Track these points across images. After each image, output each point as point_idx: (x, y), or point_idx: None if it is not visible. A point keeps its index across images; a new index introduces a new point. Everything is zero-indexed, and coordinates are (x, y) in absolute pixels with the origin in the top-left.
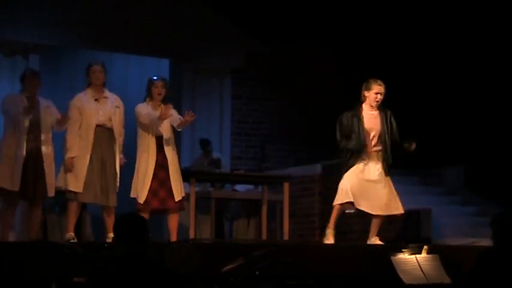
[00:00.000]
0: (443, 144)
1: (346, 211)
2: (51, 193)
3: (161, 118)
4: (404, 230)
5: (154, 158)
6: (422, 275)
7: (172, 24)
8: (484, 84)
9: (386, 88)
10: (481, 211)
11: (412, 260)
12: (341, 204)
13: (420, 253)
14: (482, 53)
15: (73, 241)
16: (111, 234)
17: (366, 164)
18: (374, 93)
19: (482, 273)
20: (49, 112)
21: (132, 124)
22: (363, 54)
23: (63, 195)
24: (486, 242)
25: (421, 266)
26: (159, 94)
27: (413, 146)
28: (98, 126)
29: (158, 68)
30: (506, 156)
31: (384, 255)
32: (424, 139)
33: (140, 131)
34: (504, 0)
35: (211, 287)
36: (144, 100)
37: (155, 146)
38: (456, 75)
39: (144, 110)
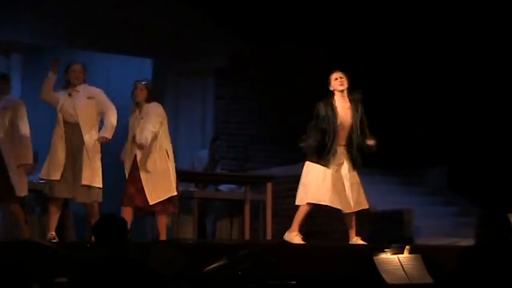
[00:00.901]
0: (426, 144)
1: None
2: (20, 193)
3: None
4: (386, 230)
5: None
6: (404, 275)
7: (155, 24)
8: (467, 86)
9: (376, 89)
10: (463, 212)
11: (394, 260)
12: (309, 203)
13: (402, 253)
14: (465, 55)
15: (54, 241)
16: None
17: (333, 158)
18: (334, 79)
19: (464, 272)
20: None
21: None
22: (348, 56)
23: (43, 195)
24: (468, 242)
25: (404, 266)
26: (137, 96)
27: (373, 143)
28: (70, 121)
29: (141, 68)
30: (489, 157)
31: (367, 255)
32: (406, 140)
33: None
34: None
35: (194, 287)
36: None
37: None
38: (439, 77)
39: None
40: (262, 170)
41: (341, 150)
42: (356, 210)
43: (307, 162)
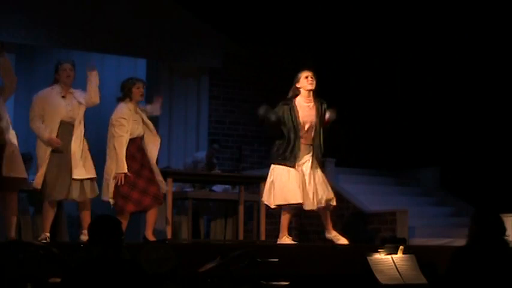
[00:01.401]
0: (419, 145)
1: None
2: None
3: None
4: (380, 230)
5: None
6: (398, 275)
7: (149, 24)
8: (460, 87)
9: (368, 91)
10: (456, 212)
11: (388, 260)
12: (285, 205)
13: (396, 253)
14: (456, 56)
15: (45, 241)
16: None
17: (297, 158)
18: (304, 77)
19: (457, 272)
20: None
21: (106, 125)
22: (338, 59)
23: (37, 195)
24: (461, 242)
25: (397, 266)
26: (142, 95)
27: (332, 115)
28: (62, 122)
29: (135, 68)
30: (482, 158)
31: (360, 255)
32: (400, 140)
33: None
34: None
35: (188, 287)
36: (123, 99)
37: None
38: (432, 78)
39: (126, 125)
40: (255, 170)
41: (304, 149)
42: (323, 206)
43: (272, 165)
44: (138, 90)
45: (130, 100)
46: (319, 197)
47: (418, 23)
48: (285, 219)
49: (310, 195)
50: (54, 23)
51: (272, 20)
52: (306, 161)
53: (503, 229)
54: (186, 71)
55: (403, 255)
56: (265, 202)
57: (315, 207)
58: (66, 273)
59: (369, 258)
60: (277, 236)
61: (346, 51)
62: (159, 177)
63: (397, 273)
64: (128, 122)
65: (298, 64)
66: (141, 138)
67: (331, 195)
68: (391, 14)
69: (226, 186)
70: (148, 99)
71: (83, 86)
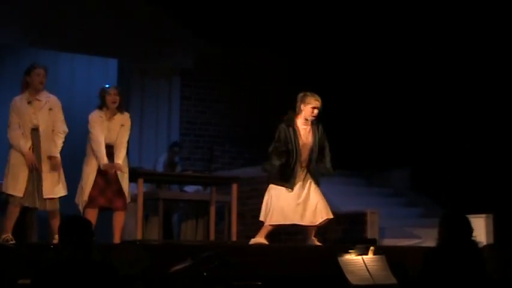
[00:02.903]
0: (389, 146)
1: None
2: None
3: (104, 169)
4: (351, 231)
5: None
6: (368, 275)
7: (120, 24)
8: (430, 88)
9: (339, 91)
10: (426, 212)
11: (358, 261)
12: (271, 225)
13: (367, 254)
14: (428, 58)
15: (12, 242)
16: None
17: (296, 180)
18: (311, 107)
19: (430, 272)
20: None
21: (77, 125)
22: (313, 61)
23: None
24: (431, 242)
25: (368, 266)
26: (114, 102)
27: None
28: (32, 129)
29: (106, 69)
30: (452, 159)
31: (331, 255)
32: (370, 141)
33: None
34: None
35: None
36: (100, 108)
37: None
38: (403, 79)
39: (97, 127)
40: (225, 171)
41: (302, 171)
42: (320, 221)
43: (270, 185)
44: (110, 97)
45: (107, 108)
46: (318, 214)
47: (389, 22)
48: (265, 230)
49: (308, 213)
50: (23, 22)
51: (244, 20)
52: (303, 182)
53: (470, 230)
54: (158, 72)
55: (374, 256)
56: (262, 219)
57: (314, 224)
58: (36, 275)
59: (339, 258)
60: (248, 237)
61: (319, 52)
62: (125, 186)
63: (368, 273)
64: (99, 127)
65: (271, 65)
66: (112, 146)
67: (330, 215)
68: (361, 13)
69: (198, 186)
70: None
71: (55, 89)
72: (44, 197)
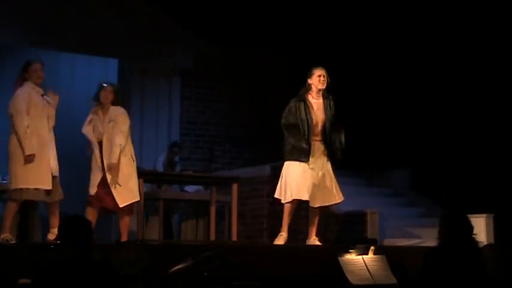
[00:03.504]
0: (389, 146)
1: None
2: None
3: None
4: (351, 231)
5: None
6: (369, 275)
7: (120, 24)
8: (431, 88)
9: (340, 91)
10: (426, 212)
11: (359, 261)
12: (291, 201)
13: (367, 254)
14: (427, 57)
15: (12, 242)
16: (55, 230)
17: (310, 154)
18: (317, 76)
19: (430, 272)
20: None
21: (77, 125)
22: (313, 61)
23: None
24: (432, 242)
25: (368, 266)
26: (105, 98)
27: (342, 136)
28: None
29: (106, 68)
30: (452, 159)
31: (331, 255)
32: (371, 141)
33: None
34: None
35: None
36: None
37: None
38: (404, 79)
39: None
40: (226, 171)
41: (317, 146)
42: (332, 203)
43: (286, 162)
44: (104, 93)
45: (100, 104)
46: (329, 195)
47: (389, 23)
48: (287, 211)
49: (321, 192)
50: (23, 22)
51: (244, 20)
52: (318, 158)
53: (470, 229)
54: (158, 72)
55: (374, 256)
56: (277, 197)
57: (324, 204)
58: (36, 275)
59: (340, 258)
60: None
61: (319, 53)
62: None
63: (368, 273)
64: (91, 123)
65: (271, 65)
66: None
67: (340, 198)
68: (361, 14)
69: (199, 186)
70: (119, 102)
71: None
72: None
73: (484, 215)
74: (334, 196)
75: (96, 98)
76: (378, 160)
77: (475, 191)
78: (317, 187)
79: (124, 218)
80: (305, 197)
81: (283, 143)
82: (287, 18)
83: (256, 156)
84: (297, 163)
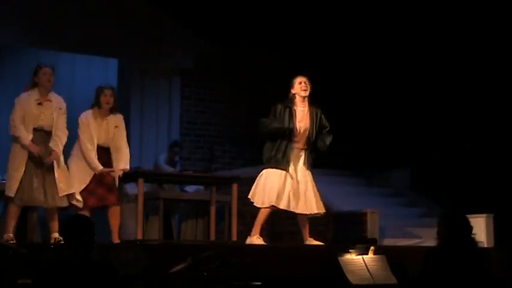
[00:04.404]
0: (389, 146)
1: None
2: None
3: (100, 173)
4: (351, 231)
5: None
6: (369, 275)
7: (120, 24)
8: (431, 88)
9: (340, 91)
10: (426, 212)
11: (359, 261)
12: (267, 207)
13: (367, 254)
14: (427, 58)
15: (12, 242)
16: (55, 234)
17: (290, 162)
18: (298, 83)
19: (430, 272)
20: None
21: (77, 125)
22: (313, 61)
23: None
24: (431, 242)
25: (368, 266)
26: (107, 103)
27: (328, 138)
28: (36, 129)
29: (106, 68)
30: (452, 159)
31: (331, 255)
32: (371, 141)
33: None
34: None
35: None
36: (92, 107)
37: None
38: (403, 79)
39: (87, 132)
40: (226, 171)
41: (296, 153)
42: (313, 213)
43: (264, 170)
44: (104, 98)
45: (99, 108)
46: (310, 204)
47: (389, 23)
48: (262, 216)
49: (302, 200)
50: (23, 22)
51: (244, 20)
52: (298, 166)
53: (470, 229)
54: (158, 72)
55: (374, 256)
56: (252, 200)
57: (307, 212)
58: (36, 275)
59: (340, 258)
60: (248, 236)
61: (319, 53)
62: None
63: (368, 273)
64: (89, 127)
65: (271, 65)
66: (106, 148)
67: (322, 209)
68: (360, 14)
69: (199, 186)
70: (119, 100)
71: (55, 89)
72: (60, 195)
73: (484, 215)
74: (315, 207)
75: (97, 104)
76: (377, 160)
77: (475, 191)
78: (297, 195)
79: (118, 211)
80: (282, 205)
81: (263, 149)
82: (287, 19)
83: (256, 156)
84: (277, 171)
